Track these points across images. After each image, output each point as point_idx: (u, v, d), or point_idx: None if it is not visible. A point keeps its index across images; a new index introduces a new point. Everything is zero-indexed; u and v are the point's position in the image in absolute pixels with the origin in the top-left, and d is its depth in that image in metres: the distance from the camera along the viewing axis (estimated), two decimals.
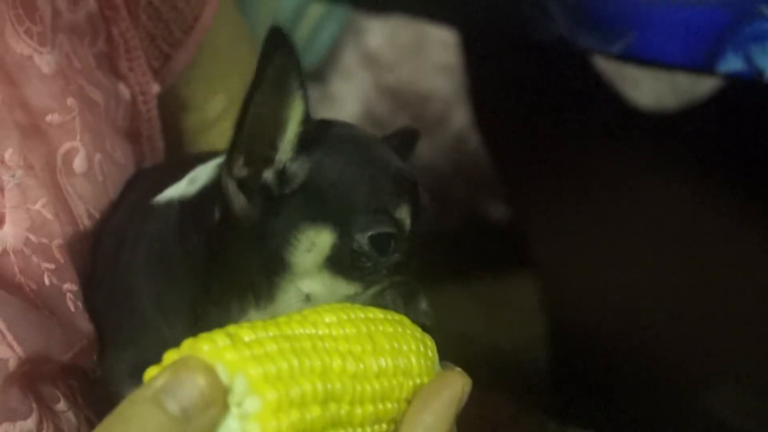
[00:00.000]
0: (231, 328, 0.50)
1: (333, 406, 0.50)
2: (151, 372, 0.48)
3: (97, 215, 0.67)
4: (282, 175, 0.57)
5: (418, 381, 0.55)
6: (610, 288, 1.29)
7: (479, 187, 1.87)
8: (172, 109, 0.82)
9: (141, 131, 0.76)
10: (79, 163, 0.66)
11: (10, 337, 0.58)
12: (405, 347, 0.55)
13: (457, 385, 0.55)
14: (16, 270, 0.60)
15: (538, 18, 1.05)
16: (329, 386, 0.49)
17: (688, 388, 1.23)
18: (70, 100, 0.66)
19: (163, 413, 0.45)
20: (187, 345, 0.49)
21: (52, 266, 0.61)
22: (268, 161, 0.57)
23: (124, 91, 0.74)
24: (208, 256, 0.59)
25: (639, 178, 1.25)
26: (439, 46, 1.85)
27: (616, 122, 1.33)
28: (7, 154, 0.61)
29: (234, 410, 0.47)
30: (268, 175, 0.57)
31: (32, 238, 0.61)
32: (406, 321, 0.57)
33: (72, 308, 0.62)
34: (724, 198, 1.18)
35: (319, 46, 1.88)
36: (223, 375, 0.47)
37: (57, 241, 0.62)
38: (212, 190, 0.59)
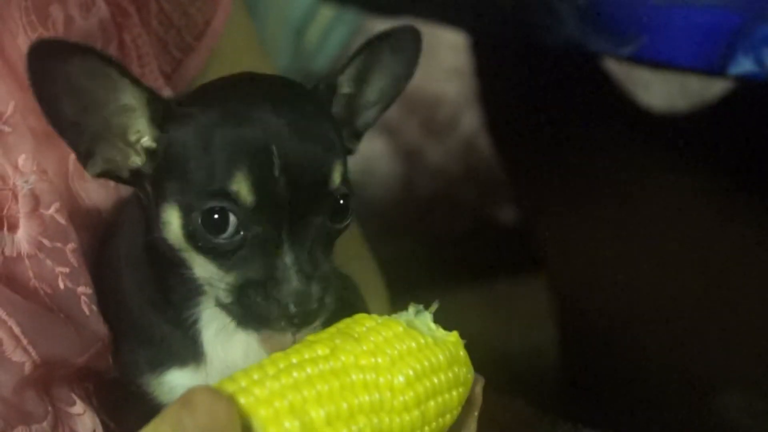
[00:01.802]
0: (283, 361, 0.52)
1: None
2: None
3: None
4: (151, 154, 0.57)
5: (446, 396, 0.56)
6: (620, 291, 1.29)
7: (489, 190, 1.87)
8: None
9: None
10: None
11: (25, 341, 0.58)
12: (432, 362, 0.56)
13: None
14: (31, 274, 0.60)
15: (549, 21, 1.05)
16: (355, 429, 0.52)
17: (699, 391, 1.23)
18: None
19: None
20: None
21: (66, 270, 0.62)
22: (127, 150, 0.57)
23: None
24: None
25: (649, 181, 1.25)
26: (449, 49, 1.85)
27: (626, 125, 1.33)
28: (21, 160, 0.62)
29: None
30: (135, 159, 0.57)
31: (46, 242, 0.61)
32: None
33: (86, 311, 0.62)
34: (735, 201, 1.18)
35: (329, 50, 1.89)
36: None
37: (71, 245, 0.62)
38: None
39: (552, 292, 1.43)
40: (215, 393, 0.49)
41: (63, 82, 0.54)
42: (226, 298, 0.56)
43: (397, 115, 1.85)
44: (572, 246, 1.36)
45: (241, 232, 0.54)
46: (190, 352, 0.61)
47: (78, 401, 0.62)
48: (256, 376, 0.52)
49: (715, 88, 1.32)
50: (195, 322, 0.61)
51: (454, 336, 0.58)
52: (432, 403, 0.55)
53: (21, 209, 0.61)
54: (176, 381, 0.61)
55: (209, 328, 0.61)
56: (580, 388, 1.38)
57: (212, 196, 0.54)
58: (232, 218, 0.54)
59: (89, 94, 0.55)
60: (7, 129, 0.61)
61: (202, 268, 0.57)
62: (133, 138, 0.57)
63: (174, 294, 0.60)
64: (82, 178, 0.66)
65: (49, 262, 0.61)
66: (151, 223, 0.58)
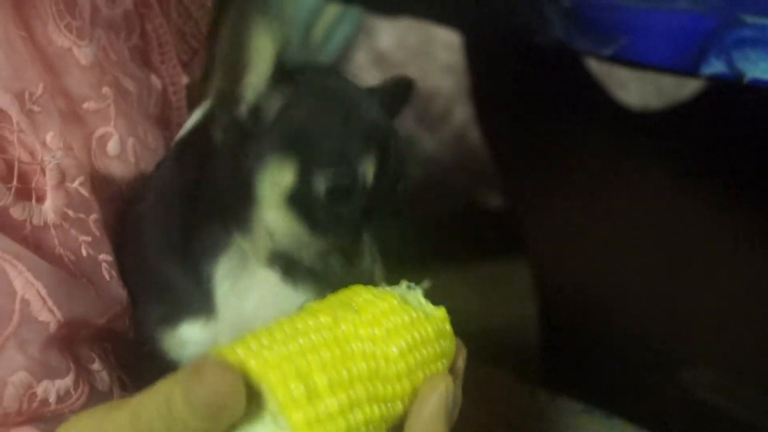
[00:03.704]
0: (289, 327, 0.52)
1: (357, 412, 0.52)
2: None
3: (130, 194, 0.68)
4: (256, 111, 0.56)
5: (432, 366, 0.56)
6: (596, 272, 1.30)
7: (478, 178, 1.87)
8: (199, 100, 0.82)
9: (171, 119, 0.77)
10: (112, 146, 0.67)
11: (50, 303, 0.58)
12: (422, 334, 0.56)
13: (441, 388, 0.54)
14: (56, 242, 0.60)
15: (537, 22, 1.05)
16: (353, 394, 0.52)
17: (667, 366, 1.23)
18: (105, 89, 0.67)
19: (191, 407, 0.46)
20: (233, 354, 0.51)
21: (88, 239, 0.62)
22: (239, 97, 0.56)
23: (156, 81, 0.74)
24: (197, 186, 0.59)
25: (625, 172, 1.26)
26: (444, 47, 1.85)
27: (606, 120, 1.34)
28: (49, 137, 0.62)
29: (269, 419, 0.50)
30: (242, 110, 0.56)
31: (70, 213, 0.61)
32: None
33: (107, 277, 0.62)
34: (705, 191, 1.19)
35: (333, 45, 1.89)
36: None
37: (93, 216, 0.63)
38: (202, 127, 0.59)
39: (533, 272, 1.43)
40: (225, 365, 0.48)
41: (231, 15, 0.54)
42: (310, 261, 0.57)
43: None
44: (553, 230, 1.36)
45: (348, 207, 0.56)
46: (203, 306, 0.61)
47: (97, 359, 0.62)
48: (265, 341, 0.52)
49: (687, 88, 1.32)
50: (211, 276, 0.60)
51: (441, 312, 0.58)
52: (420, 373, 0.55)
53: (48, 182, 0.61)
54: (187, 335, 0.61)
55: (224, 283, 0.61)
56: (558, 361, 1.39)
57: (342, 170, 0.55)
58: (349, 194, 0.56)
59: (230, 37, 0.54)
60: (36, 108, 0.61)
61: (287, 228, 0.56)
62: (248, 86, 0.56)
63: (197, 244, 0.60)
64: (104, 156, 0.66)
65: (73, 231, 0.61)
66: (230, 172, 0.57)
